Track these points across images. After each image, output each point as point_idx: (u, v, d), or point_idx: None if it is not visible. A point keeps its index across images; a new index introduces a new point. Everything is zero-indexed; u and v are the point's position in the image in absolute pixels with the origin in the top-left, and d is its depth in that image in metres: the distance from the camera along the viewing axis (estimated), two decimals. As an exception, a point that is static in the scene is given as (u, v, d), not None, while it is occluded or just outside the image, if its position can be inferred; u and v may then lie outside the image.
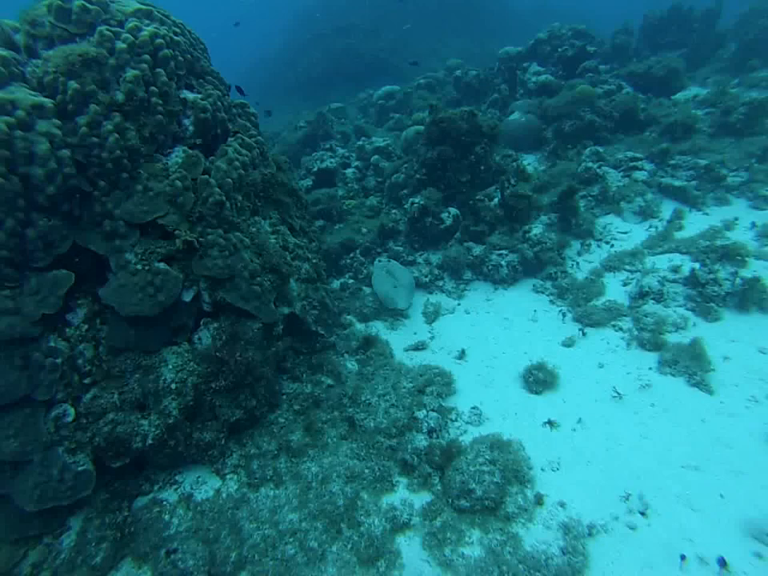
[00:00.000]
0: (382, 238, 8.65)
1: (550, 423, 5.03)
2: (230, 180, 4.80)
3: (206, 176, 4.67)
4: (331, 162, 10.72)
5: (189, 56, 5.11)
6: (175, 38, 4.86)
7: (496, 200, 8.51)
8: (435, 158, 8.97)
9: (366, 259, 8.46)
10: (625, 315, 6.36)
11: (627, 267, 7.20)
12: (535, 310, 7.00)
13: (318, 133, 14.42)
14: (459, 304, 7.49)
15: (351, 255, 8.41)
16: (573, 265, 7.67)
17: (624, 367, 5.64)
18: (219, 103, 5.17)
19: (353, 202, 10.21)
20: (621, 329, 6.21)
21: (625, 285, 6.95)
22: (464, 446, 4.74)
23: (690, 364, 5.28)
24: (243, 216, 5.04)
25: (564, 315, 6.77)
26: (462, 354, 6.34)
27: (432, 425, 4.99)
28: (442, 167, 9.04)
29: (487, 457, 4.44)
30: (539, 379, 5.50)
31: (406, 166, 10.04)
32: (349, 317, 7.32)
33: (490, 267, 7.64)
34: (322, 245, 8.20)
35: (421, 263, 8.19)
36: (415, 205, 8.37)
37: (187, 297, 4.63)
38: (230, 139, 5.22)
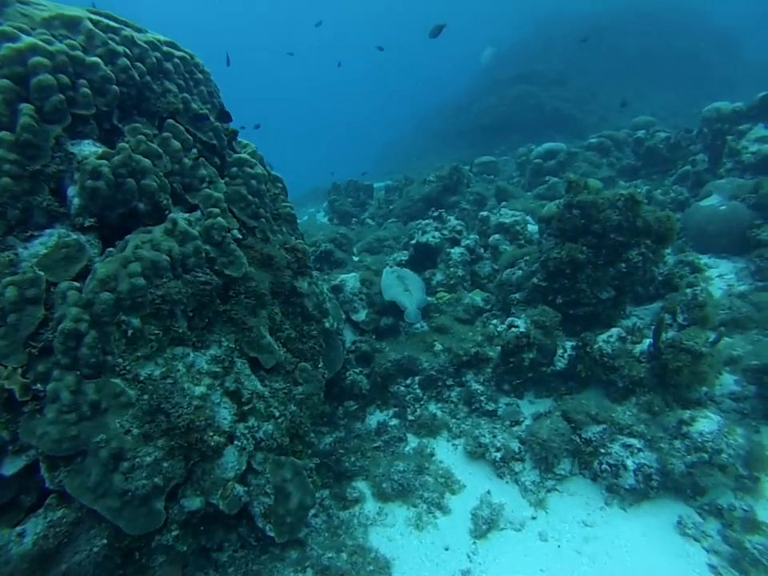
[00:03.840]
0: (458, 366, 6.07)
1: None
2: (109, 295, 2.92)
3: (70, 285, 2.87)
4: (435, 237, 8.47)
5: (140, 86, 3.50)
6: (87, 58, 3.24)
7: (645, 345, 5.34)
8: (563, 259, 6.13)
9: (426, 394, 5.97)
10: None
11: None
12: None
13: (448, 190, 12.35)
14: (535, 517, 4.51)
15: (408, 382, 6.02)
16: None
17: None
18: (162, 162, 3.41)
19: (446, 295, 7.78)
20: None
21: None
22: None
23: None
24: (141, 351, 3.12)
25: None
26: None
27: None
28: (572, 274, 6.15)
29: None
30: None
31: (527, 258, 7.30)
32: (361, 484, 4.97)
33: (604, 465, 4.54)
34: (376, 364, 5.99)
35: (499, 423, 5.42)
36: (513, 331, 5.65)
37: (9, 468, 2.86)
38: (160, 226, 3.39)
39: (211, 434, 3.29)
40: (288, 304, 4.36)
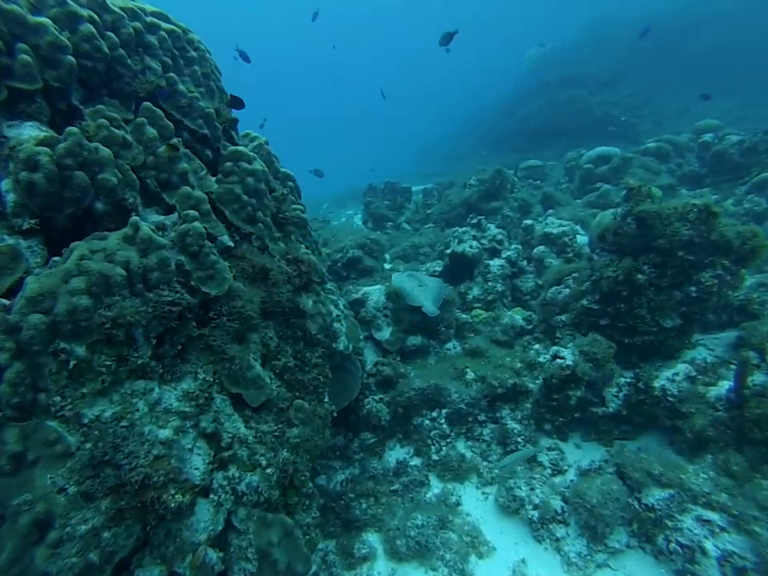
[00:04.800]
0: (493, 399, 5.25)
1: None
2: (40, 318, 2.31)
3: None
4: (472, 247, 7.66)
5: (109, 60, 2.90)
6: (30, 17, 2.64)
7: (722, 388, 4.37)
8: (619, 279, 5.23)
9: (454, 430, 5.19)
10: None
11: None
12: None
13: (490, 196, 11.48)
14: (582, 603, 3.67)
15: (434, 415, 5.25)
16: None
17: None
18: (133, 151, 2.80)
19: (482, 313, 6.96)
20: None
21: None
22: None
23: None
24: (88, 386, 2.51)
25: None
26: None
27: None
28: (629, 297, 5.24)
29: None
30: None
31: (576, 275, 6.39)
32: (372, 537, 4.26)
33: (674, 544, 3.61)
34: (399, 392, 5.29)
35: (537, 473, 4.57)
36: (558, 362, 4.81)
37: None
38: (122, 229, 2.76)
39: (173, 491, 2.65)
40: (287, 326, 3.70)
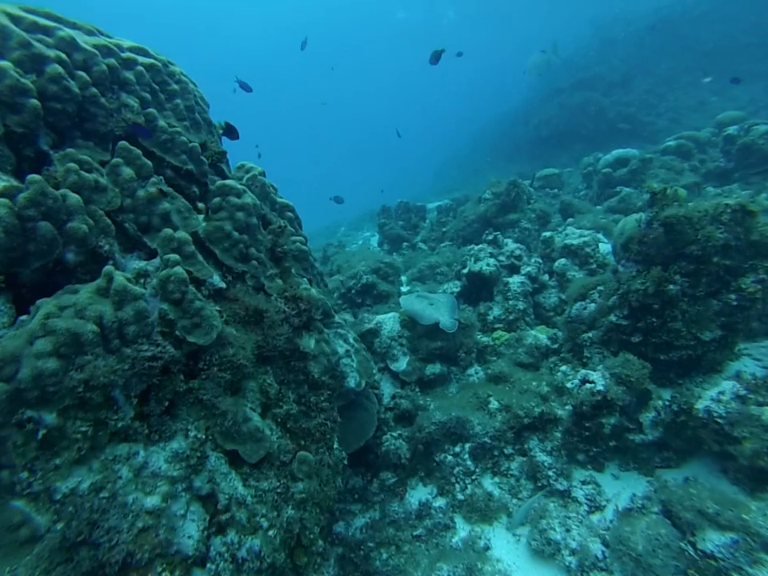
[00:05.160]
0: (519, 430, 4.86)
1: None
2: (1, 386, 2.11)
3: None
4: (489, 265, 7.32)
5: (80, 101, 2.74)
6: None
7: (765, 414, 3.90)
8: (649, 291, 4.83)
9: (479, 466, 4.81)
10: None
11: None
12: None
13: (506, 208, 11.14)
14: None
15: (457, 450, 4.89)
16: None
17: None
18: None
19: (504, 335, 6.59)
20: None
21: None
22: None
23: None
24: (62, 457, 2.29)
25: None
26: None
27: None
28: (661, 310, 4.83)
29: None
30: None
31: (601, 288, 5.99)
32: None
33: (740, 597, 3.15)
34: (418, 427, 4.98)
35: (573, 511, 4.14)
36: (588, 388, 4.41)
37: None
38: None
39: (160, 569, 2.39)
40: (288, 369, 3.44)
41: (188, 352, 2.84)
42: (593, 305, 5.90)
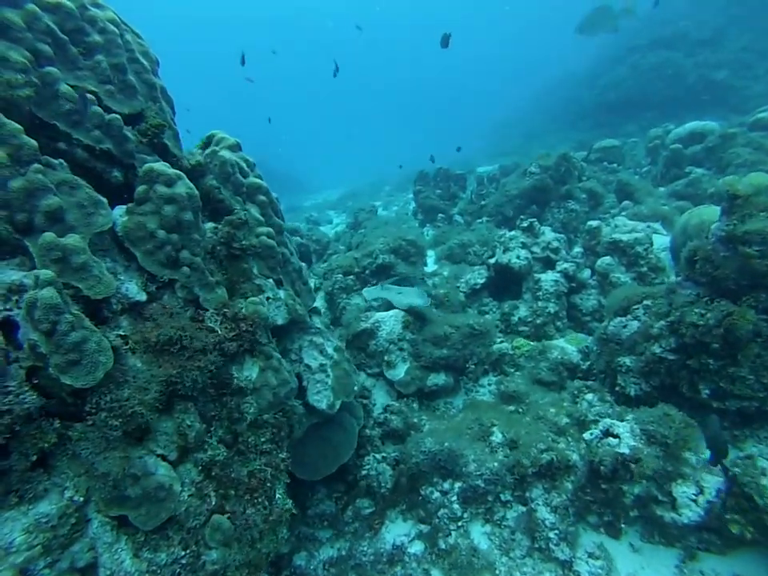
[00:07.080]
0: (522, 476, 4.05)
1: None
2: None
3: None
4: (520, 257, 6.32)
5: None
6: None
7: None
8: (712, 329, 3.79)
9: (468, 511, 4.07)
10: None
11: None
12: None
13: (555, 184, 9.87)
14: None
15: (445, 487, 4.16)
16: None
17: None
18: None
19: (526, 344, 5.67)
20: None
21: None
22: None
23: None
24: None
25: None
26: None
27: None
28: (725, 351, 3.80)
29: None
30: None
31: (650, 303, 4.93)
32: None
33: None
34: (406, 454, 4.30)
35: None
36: (611, 443, 3.53)
37: None
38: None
39: None
40: (222, 404, 2.76)
41: (71, 391, 2.19)
42: (635, 323, 4.89)
